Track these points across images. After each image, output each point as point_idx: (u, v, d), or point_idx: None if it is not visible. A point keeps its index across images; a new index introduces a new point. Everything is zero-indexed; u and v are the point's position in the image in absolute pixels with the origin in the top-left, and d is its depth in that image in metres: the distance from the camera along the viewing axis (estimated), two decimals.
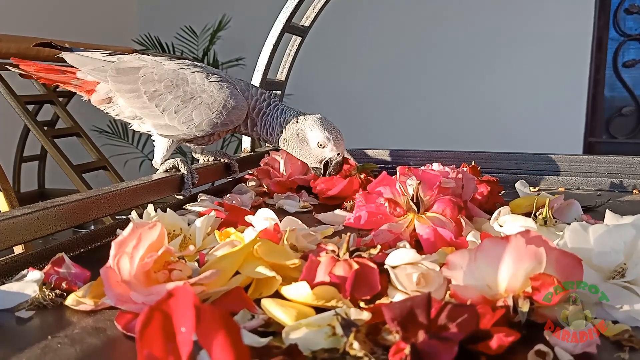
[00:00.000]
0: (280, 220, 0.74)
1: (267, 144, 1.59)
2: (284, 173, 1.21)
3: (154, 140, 1.11)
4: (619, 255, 0.57)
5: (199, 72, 1.05)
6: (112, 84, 1.06)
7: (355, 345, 0.45)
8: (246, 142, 1.48)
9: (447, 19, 3.70)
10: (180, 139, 1.09)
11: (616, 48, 3.63)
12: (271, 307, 0.54)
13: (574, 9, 3.49)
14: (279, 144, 1.10)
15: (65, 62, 1.09)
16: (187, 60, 1.09)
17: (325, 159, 1.08)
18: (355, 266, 0.58)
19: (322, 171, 1.09)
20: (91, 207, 0.81)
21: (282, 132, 1.07)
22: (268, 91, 1.12)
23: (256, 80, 1.42)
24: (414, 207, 0.77)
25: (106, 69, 1.06)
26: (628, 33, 3.62)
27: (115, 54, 1.09)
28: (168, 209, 0.76)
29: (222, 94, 1.03)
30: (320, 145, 1.06)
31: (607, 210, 0.70)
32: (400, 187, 0.80)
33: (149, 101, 1.04)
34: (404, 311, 0.45)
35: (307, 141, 1.06)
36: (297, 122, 1.07)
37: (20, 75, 1.11)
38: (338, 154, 1.07)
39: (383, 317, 0.46)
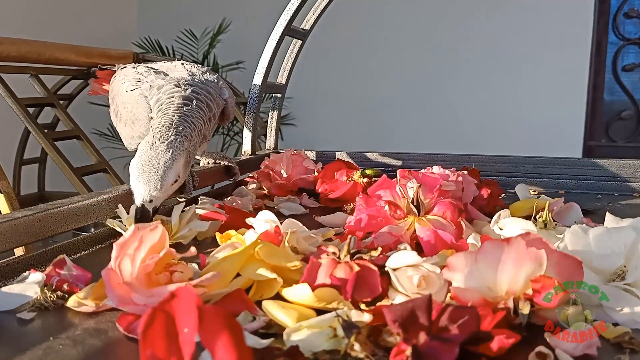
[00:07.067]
0: (281, 223, 0.74)
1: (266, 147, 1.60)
2: (285, 175, 1.21)
3: None
4: (619, 257, 0.57)
5: (130, 80, 0.97)
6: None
7: (357, 346, 0.45)
8: (246, 144, 1.48)
9: (447, 23, 3.72)
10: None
11: (615, 52, 3.64)
12: (272, 308, 0.54)
13: (573, 13, 3.50)
14: None
15: None
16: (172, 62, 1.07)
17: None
18: (356, 268, 0.58)
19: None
20: (92, 210, 0.82)
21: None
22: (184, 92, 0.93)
23: (256, 83, 1.43)
24: (414, 209, 0.77)
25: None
26: (627, 37, 3.63)
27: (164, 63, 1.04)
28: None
29: (134, 105, 0.93)
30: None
31: (607, 213, 0.70)
32: (400, 190, 0.80)
33: (112, 112, 1.02)
34: (405, 313, 0.45)
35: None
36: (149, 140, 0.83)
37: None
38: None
39: (384, 319, 0.46)
